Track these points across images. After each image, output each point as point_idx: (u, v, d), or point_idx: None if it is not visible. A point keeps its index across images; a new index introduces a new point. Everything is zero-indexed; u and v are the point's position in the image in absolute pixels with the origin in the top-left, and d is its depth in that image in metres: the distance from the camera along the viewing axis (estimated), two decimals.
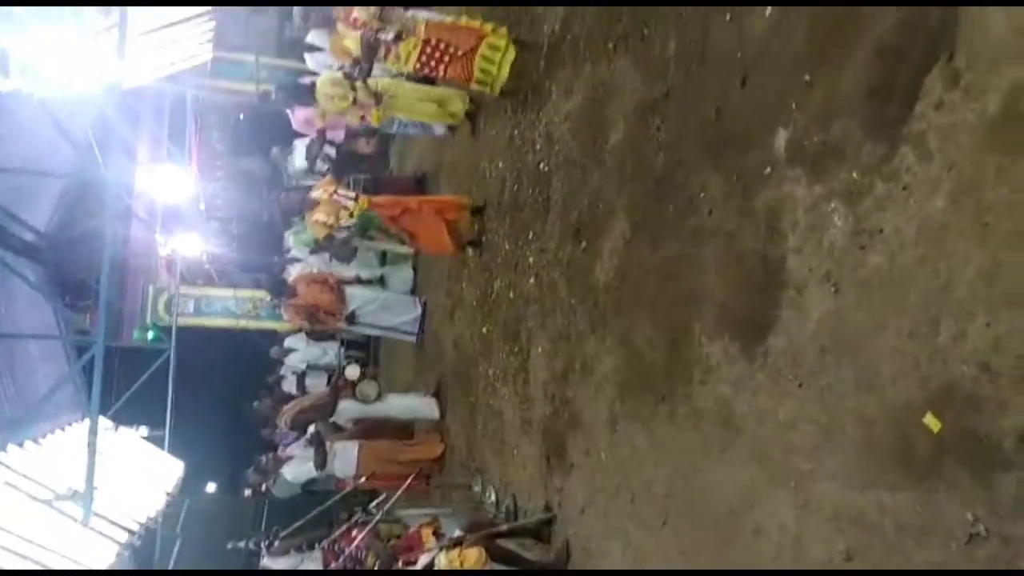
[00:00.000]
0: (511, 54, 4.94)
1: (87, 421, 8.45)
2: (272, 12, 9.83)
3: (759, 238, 2.54)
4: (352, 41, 5.15)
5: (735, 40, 2.76)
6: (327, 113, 6.25)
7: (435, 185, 7.63)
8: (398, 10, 5.08)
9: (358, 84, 5.76)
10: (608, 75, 3.85)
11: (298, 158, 9.40)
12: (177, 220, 11.96)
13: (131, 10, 6.19)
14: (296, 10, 5.43)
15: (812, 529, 2.23)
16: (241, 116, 14.16)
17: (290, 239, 9.66)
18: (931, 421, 1.85)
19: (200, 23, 8.77)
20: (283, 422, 7.08)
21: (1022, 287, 1.66)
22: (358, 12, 4.98)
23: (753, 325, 2.54)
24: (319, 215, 5.85)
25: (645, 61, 3.47)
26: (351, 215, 5.80)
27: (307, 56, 8.32)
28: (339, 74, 6.07)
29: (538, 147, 4.75)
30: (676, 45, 3.20)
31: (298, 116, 7.97)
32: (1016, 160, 1.68)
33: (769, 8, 2.56)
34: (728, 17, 2.80)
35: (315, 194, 5.89)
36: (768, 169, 2.51)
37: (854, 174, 2.13)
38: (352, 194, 5.92)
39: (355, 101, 5.86)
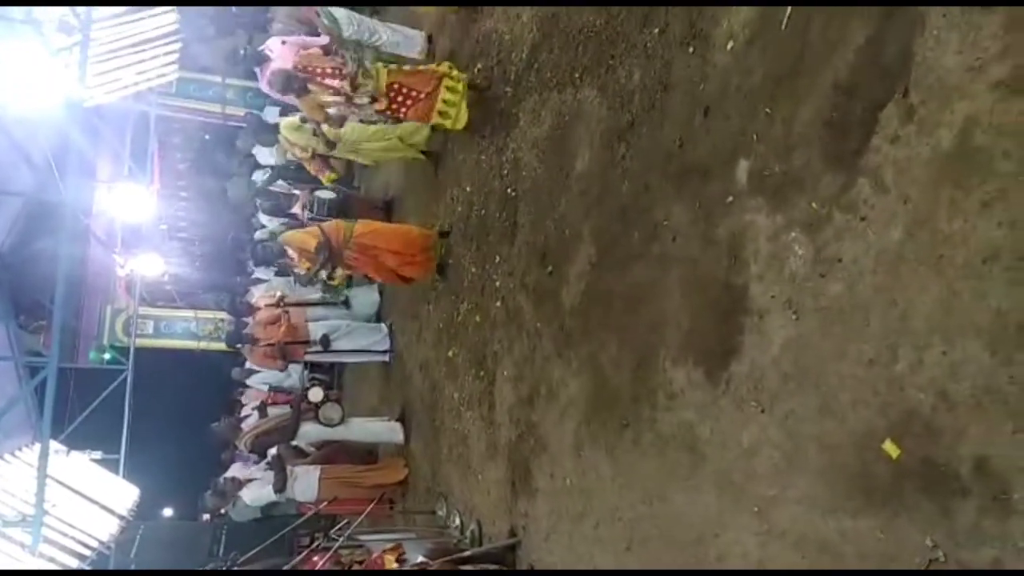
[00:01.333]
0: (466, 99, 5.15)
1: (38, 445, 8.18)
2: (240, 34, 9.85)
3: (722, 265, 2.57)
4: (327, 97, 5.22)
5: (698, 72, 2.81)
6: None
7: (401, 209, 7.61)
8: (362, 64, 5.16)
9: (318, 134, 5.86)
10: (574, 103, 3.90)
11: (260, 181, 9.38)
12: (138, 240, 11.75)
13: (94, 28, 6.12)
14: (274, 76, 5.41)
15: (775, 556, 2.24)
16: (206, 136, 14.02)
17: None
18: (890, 448, 1.88)
19: (166, 43, 8.69)
20: (243, 444, 6.94)
21: (977, 317, 1.70)
22: (330, 79, 5.16)
23: (717, 351, 2.57)
24: (298, 259, 5.90)
25: (611, 91, 3.52)
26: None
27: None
28: (298, 119, 6.16)
29: (505, 172, 4.77)
30: (641, 76, 3.25)
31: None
32: (969, 193, 1.73)
33: (731, 42, 2.63)
34: (691, 50, 2.86)
35: (292, 252, 5.90)
36: (730, 198, 2.55)
37: (813, 204, 2.18)
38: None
39: (314, 155, 5.95)
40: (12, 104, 5.25)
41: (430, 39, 6.26)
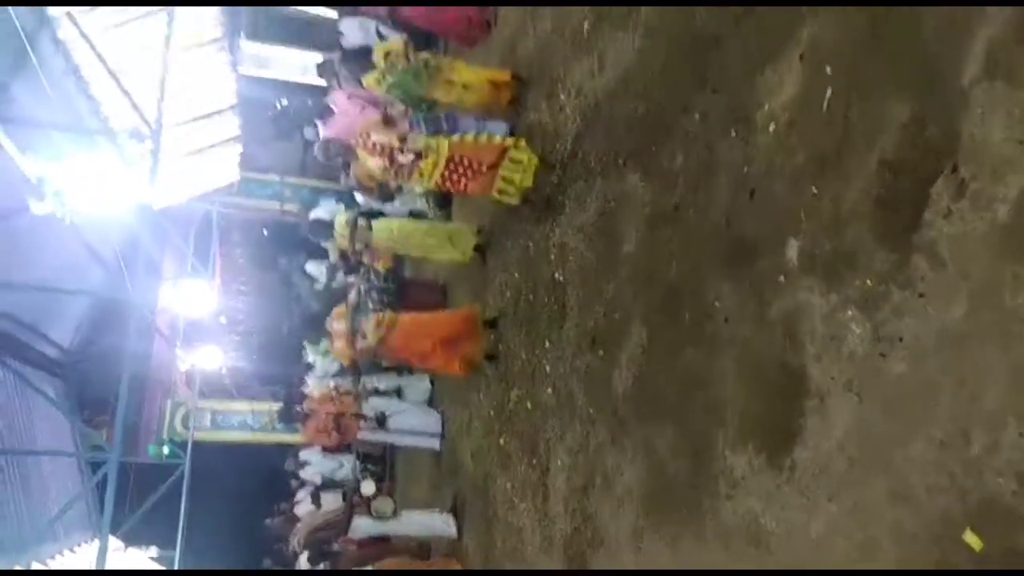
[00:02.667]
0: (533, 163, 5.03)
1: (97, 541, 8.26)
2: (297, 138, 10.47)
3: (777, 346, 2.51)
4: (375, 164, 5.30)
5: (741, 154, 2.84)
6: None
7: (453, 295, 7.71)
8: (419, 131, 5.30)
9: (374, 226, 6.02)
10: (619, 188, 3.95)
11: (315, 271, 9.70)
12: (198, 334, 12.12)
13: (164, 135, 6.54)
14: (317, 146, 5.71)
15: None
16: (265, 232, 14.61)
17: (309, 353, 9.76)
18: (971, 538, 1.76)
19: (229, 146, 9.21)
20: (296, 542, 6.90)
21: None
22: (376, 136, 5.15)
23: (777, 435, 2.48)
24: (339, 344, 5.97)
25: (655, 175, 3.56)
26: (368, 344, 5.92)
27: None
28: (351, 216, 6.38)
29: (553, 257, 4.82)
30: (684, 160, 3.29)
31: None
32: None
33: (772, 124, 2.65)
34: (734, 133, 2.90)
35: (336, 326, 5.98)
36: (782, 277, 2.52)
37: (868, 282, 2.13)
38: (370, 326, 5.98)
39: (367, 246, 6.11)
40: (86, 208, 5.59)
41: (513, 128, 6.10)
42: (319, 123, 7.51)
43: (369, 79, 5.69)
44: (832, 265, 2.30)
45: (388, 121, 5.24)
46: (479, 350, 5.78)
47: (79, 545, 10.10)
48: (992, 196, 1.78)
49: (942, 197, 1.91)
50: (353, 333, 5.69)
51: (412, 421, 7.35)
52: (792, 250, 2.48)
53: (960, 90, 1.89)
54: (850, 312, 2.20)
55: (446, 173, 5.06)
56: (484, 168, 5.02)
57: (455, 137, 5.19)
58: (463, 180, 5.07)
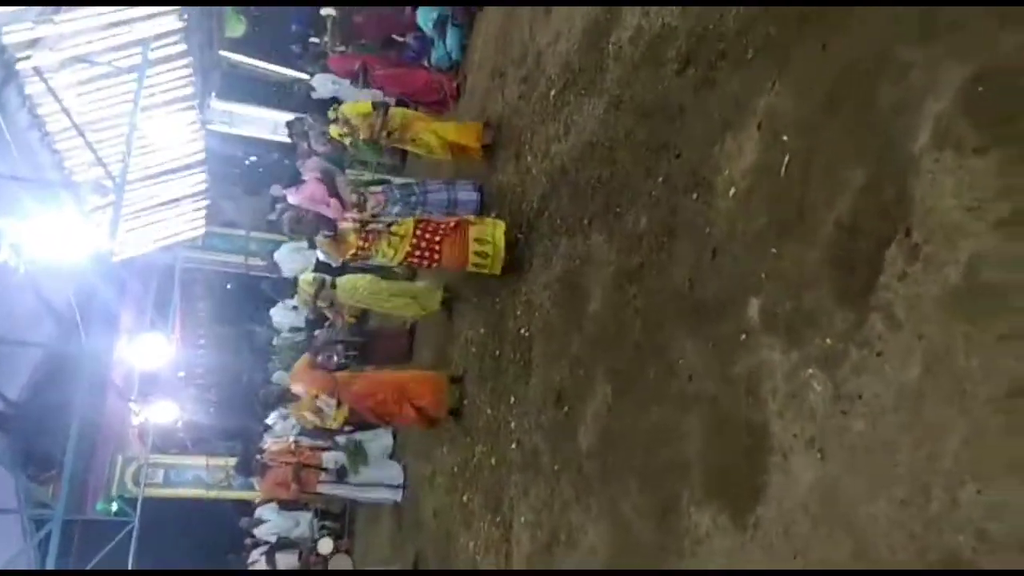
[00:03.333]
0: (500, 226, 5.06)
1: None
2: (265, 193, 10.50)
3: (741, 404, 2.54)
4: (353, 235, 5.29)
5: (703, 217, 2.92)
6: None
7: (418, 351, 7.66)
8: (392, 205, 5.37)
9: (338, 284, 6.04)
10: (584, 248, 4.02)
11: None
12: (154, 387, 11.80)
13: (128, 189, 6.49)
14: (289, 214, 5.72)
15: None
16: (229, 286, 14.44)
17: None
18: None
19: (195, 201, 9.17)
20: None
21: (1008, 453, 1.66)
22: (350, 214, 5.29)
23: (741, 493, 2.49)
24: (303, 412, 5.90)
25: (619, 235, 3.64)
26: (334, 419, 5.87)
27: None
28: (317, 275, 6.40)
29: (519, 314, 4.84)
30: (647, 221, 3.37)
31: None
32: (984, 329, 1.74)
33: (732, 188, 2.75)
34: (695, 196, 2.99)
35: (297, 389, 5.91)
36: (744, 336, 2.57)
37: (828, 341, 2.19)
38: (333, 402, 5.89)
39: (332, 303, 6.11)
40: (42, 259, 5.49)
41: (482, 190, 6.11)
42: (288, 191, 7.53)
43: (334, 131, 5.85)
44: (792, 324, 2.36)
45: (357, 205, 5.35)
46: (442, 405, 5.73)
47: None
48: (944, 260, 1.86)
49: (897, 260, 1.99)
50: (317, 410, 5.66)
51: (373, 473, 7.19)
52: (753, 309, 2.54)
53: (912, 158, 1.99)
54: (811, 370, 2.25)
55: (415, 241, 5.01)
56: (451, 225, 5.05)
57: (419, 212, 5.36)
58: (433, 248, 5.00)
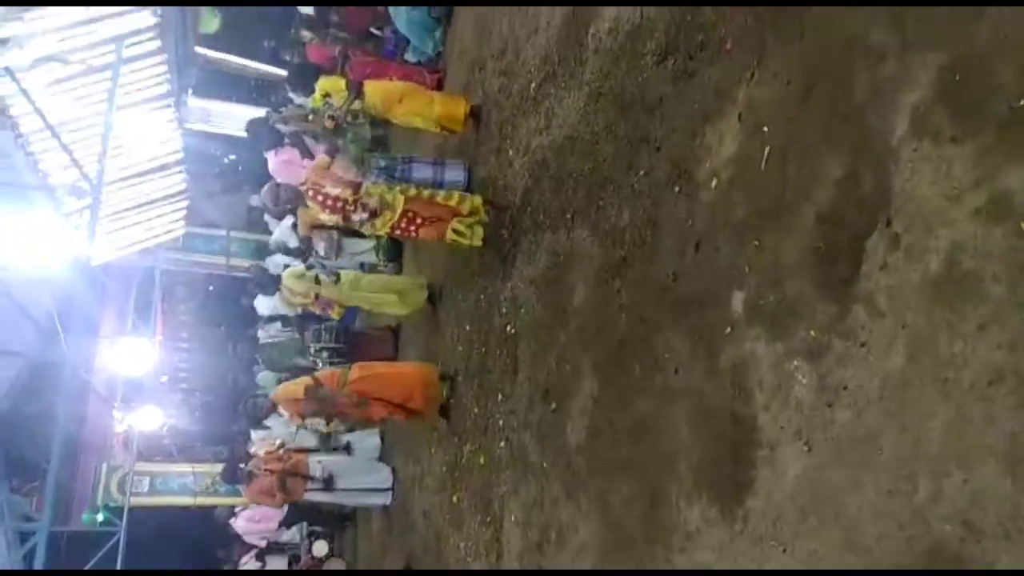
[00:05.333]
0: (479, 231, 5.09)
1: None
2: (245, 189, 10.37)
3: (727, 396, 2.54)
4: (327, 218, 5.24)
5: (685, 209, 2.91)
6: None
7: (404, 349, 7.63)
8: (375, 184, 5.25)
9: (322, 280, 5.95)
10: (568, 242, 4.00)
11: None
12: (138, 393, 11.68)
13: (106, 190, 6.39)
14: (265, 190, 5.65)
15: None
16: (211, 288, 14.30)
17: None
18: None
19: (174, 201, 9.06)
20: None
21: (991, 441, 1.66)
22: (330, 189, 5.09)
23: (730, 486, 2.49)
24: (291, 413, 5.81)
25: (602, 230, 3.62)
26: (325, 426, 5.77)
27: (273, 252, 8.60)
28: (302, 268, 6.30)
29: (504, 310, 4.82)
30: (630, 215, 3.36)
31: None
32: (964, 317, 1.74)
33: (714, 180, 2.74)
34: (677, 189, 2.98)
35: (285, 409, 5.80)
36: (728, 329, 2.57)
37: (812, 332, 2.19)
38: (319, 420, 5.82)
39: (317, 297, 6.03)
40: (17, 265, 5.39)
41: (470, 171, 6.06)
42: (269, 153, 7.40)
43: (316, 100, 5.78)
44: (776, 316, 2.35)
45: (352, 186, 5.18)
46: (433, 405, 5.68)
47: None
48: (924, 248, 1.86)
49: (878, 250, 1.99)
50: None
51: (360, 479, 7.15)
52: (737, 302, 2.54)
53: (890, 147, 1.98)
54: (796, 362, 2.24)
55: (401, 224, 5.07)
56: (435, 219, 5.06)
57: (411, 191, 5.17)
58: (413, 227, 5.07)
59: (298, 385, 5.61)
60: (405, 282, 6.50)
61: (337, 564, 6.26)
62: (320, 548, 6.47)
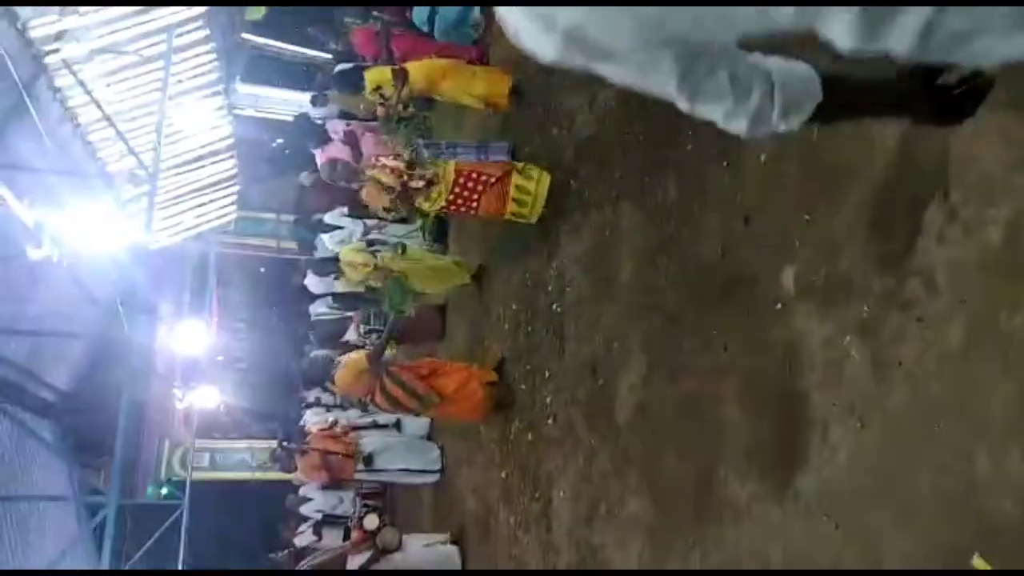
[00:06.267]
0: (546, 178, 4.94)
1: None
2: (293, 174, 10.57)
3: (778, 373, 2.52)
4: (389, 181, 5.15)
5: (734, 184, 2.87)
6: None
7: (451, 328, 7.70)
8: (428, 154, 5.29)
9: (379, 253, 5.99)
10: (614, 219, 3.98)
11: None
12: (196, 373, 12.06)
13: (160, 177, 6.58)
14: (322, 163, 5.72)
15: None
16: (262, 269, 14.63)
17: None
18: (980, 563, 1.75)
19: (226, 186, 9.27)
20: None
21: None
22: (386, 160, 5.13)
23: (781, 463, 2.47)
24: (348, 379, 5.86)
25: (649, 205, 3.60)
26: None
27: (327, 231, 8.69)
28: (362, 244, 6.35)
29: (550, 288, 4.83)
30: (676, 191, 3.33)
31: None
32: None
33: (763, 154, 2.69)
34: (725, 163, 2.93)
35: (344, 375, 5.83)
36: (779, 304, 2.53)
37: (865, 308, 2.15)
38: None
39: (376, 268, 6.08)
40: (81, 251, 5.60)
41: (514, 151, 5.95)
42: (317, 151, 7.53)
43: (368, 98, 5.83)
44: (829, 291, 2.31)
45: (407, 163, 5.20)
46: (489, 402, 5.62)
47: None
48: (983, 220, 1.81)
49: (935, 222, 1.94)
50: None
51: (405, 458, 7.26)
52: (788, 277, 2.50)
53: None
54: (849, 338, 2.21)
55: (456, 191, 4.94)
56: (493, 180, 4.90)
57: (460, 159, 5.15)
58: (474, 197, 4.93)
59: (360, 356, 5.62)
60: (449, 264, 6.53)
61: (391, 534, 6.37)
62: (371, 521, 6.59)
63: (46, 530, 9.64)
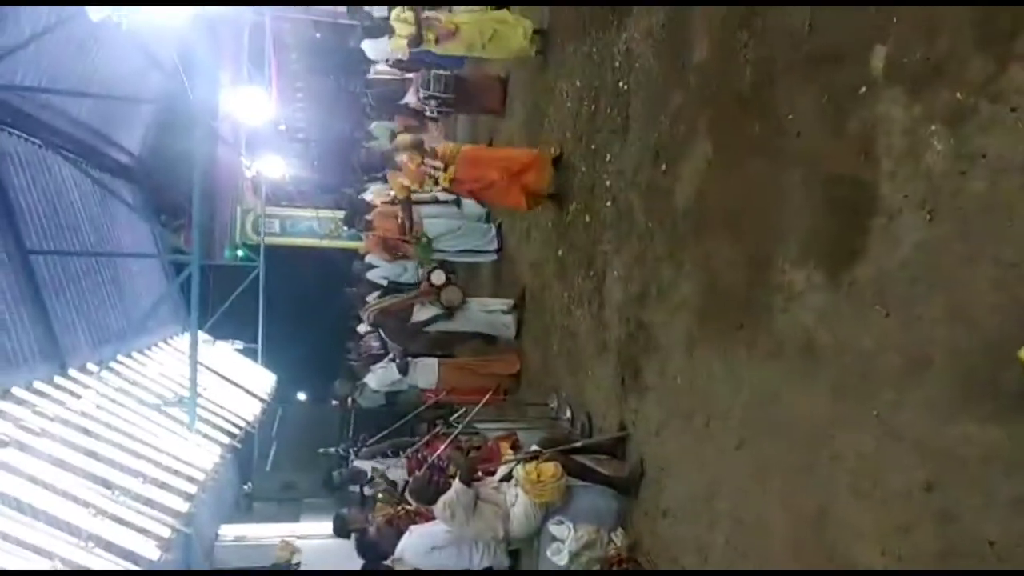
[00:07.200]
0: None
1: (187, 335, 9.04)
2: None
3: (850, 162, 2.44)
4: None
5: None
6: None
7: (511, 101, 7.50)
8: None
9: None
10: None
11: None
12: (260, 142, 12.28)
13: None
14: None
15: (892, 458, 2.22)
16: (318, 35, 14.21)
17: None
18: None
19: None
20: (367, 317, 7.40)
21: None
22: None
23: (840, 252, 2.48)
24: (403, 179, 5.91)
25: None
26: (435, 183, 5.82)
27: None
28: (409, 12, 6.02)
29: (617, 64, 4.61)
30: None
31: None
32: None
33: None
34: None
35: (401, 158, 5.84)
36: (863, 88, 2.38)
37: (958, 94, 2.01)
38: (441, 164, 5.82)
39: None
40: (141, 17, 5.50)
41: None
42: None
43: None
44: (920, 75, 2.16)
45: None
46: (545, 186, 5.64)
47: (172, 338, 11.07)
48: None
49: None
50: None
51: (468, 242, 7.50)
52: (878, 58, 2.32)
53: None
54: (934, 127, 2.10)
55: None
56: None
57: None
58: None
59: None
60: (514, 18, 6.16)
61: (454, 293, 6.74)
62: (439, 276, 6.94)
63: (138, 285, 10.56)
